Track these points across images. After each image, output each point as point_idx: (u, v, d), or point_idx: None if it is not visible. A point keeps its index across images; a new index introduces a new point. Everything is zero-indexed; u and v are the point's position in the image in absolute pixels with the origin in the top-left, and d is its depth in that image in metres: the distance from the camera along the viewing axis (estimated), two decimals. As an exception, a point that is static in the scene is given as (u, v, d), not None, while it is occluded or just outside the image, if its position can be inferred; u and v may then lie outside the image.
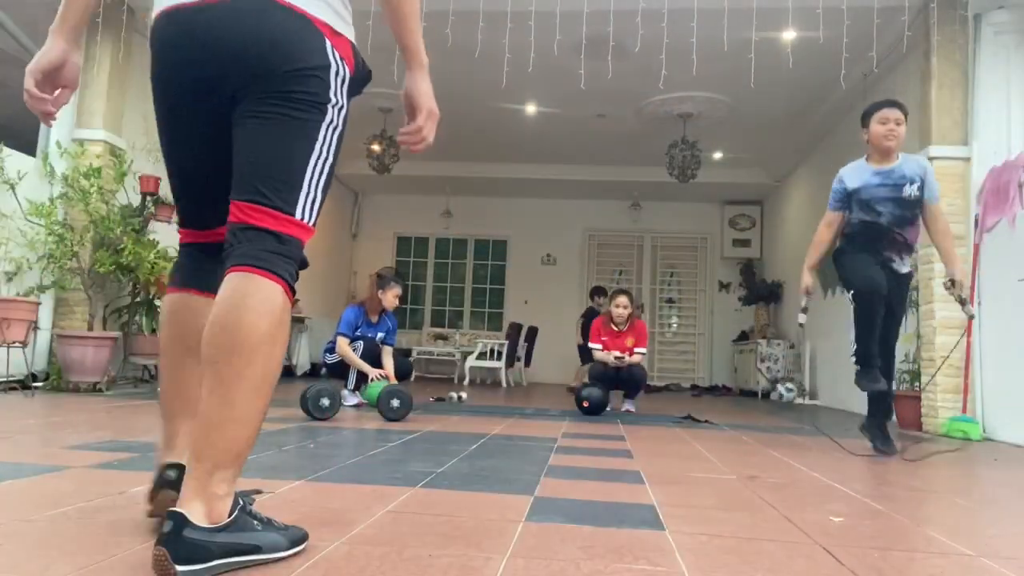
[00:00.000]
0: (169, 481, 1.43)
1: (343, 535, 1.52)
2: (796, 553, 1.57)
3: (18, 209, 5.12)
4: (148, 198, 5.95)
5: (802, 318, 3.77)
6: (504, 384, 9.51)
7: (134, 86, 6.22)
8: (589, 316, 8.47)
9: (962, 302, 3.38)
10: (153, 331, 5.68)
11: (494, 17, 5.58)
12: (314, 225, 1.40)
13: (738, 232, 11.83)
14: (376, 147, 8.54)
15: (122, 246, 5.34)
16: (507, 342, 9.49)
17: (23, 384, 5.03)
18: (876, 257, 3.51)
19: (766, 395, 9.22)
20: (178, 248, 1.59)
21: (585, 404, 5.20)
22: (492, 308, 12.42)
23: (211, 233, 1.52)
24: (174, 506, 1.21)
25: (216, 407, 1.24)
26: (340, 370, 5.04)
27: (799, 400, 8.36)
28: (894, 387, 3.67)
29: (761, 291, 10.63)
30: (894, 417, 3.66)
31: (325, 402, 3.94)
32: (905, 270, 3.51)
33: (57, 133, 5.70)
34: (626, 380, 5.77)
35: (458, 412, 4.96)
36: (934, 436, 4.79)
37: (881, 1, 5.22)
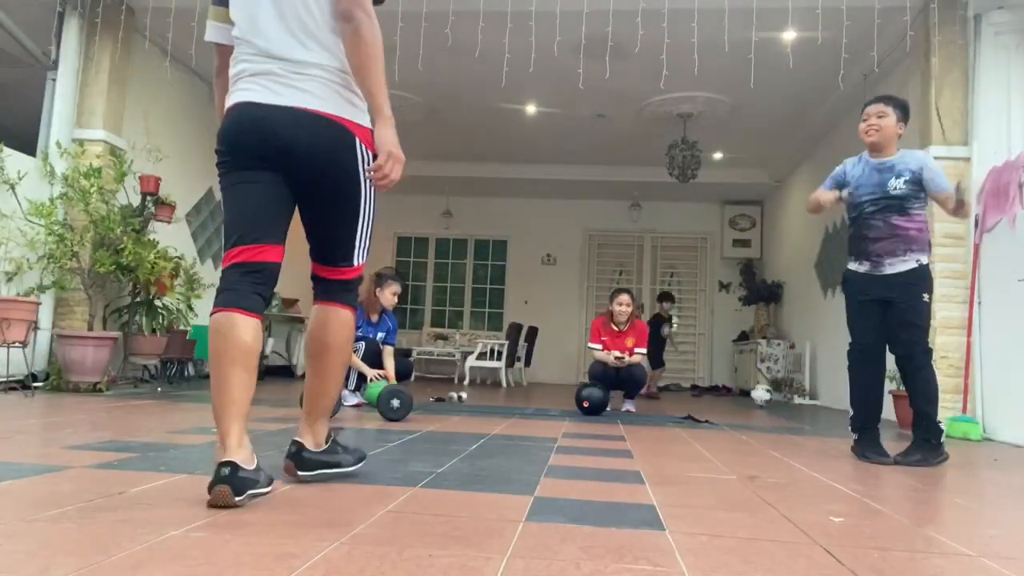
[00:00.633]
0: (223, 478, 1.71)
1: (343, 535, 1.52)
2: (796, 553, 1.57)
3: (18, 209, 5.12)
4: (148, 198, 5.95)
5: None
6: (504, 384, 9.51)
7: (134, 86, 6.23)
8: (655, 324, 8.48)
9: (961, 199, 3.25)
10: (153, 331, 5.68)
11: (494, 17, 5.58)
12: (366, 259, 2.10)
13: (738, 232, 11.83)
14: (376, 147, 8.53)
15: (122, 246, 5.34)
16: (507, 342, 9.49)
17: (23, 384, 5.03)
18: (865, 260, 3.46)
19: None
20: (223, 272, 1.91)
21: (585, 404, 5.20)
22: (492, 308, 12.41)
23: (268, 250, 1.92)
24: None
25: (318, 384, 2.09)
26: None
27: (797, 400, 8.35)
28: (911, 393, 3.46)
29: (761, 291, 10.63)
30: (942, 429, 3.33)
31: (325, 402, 3.94)
32: (900, 269, 3.34)
33: (57, 133, 5.70)
34: (626, 380, 5.76)
35: (458, 412, 4.96)
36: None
37: (881, 1, 5.22)
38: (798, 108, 7.97)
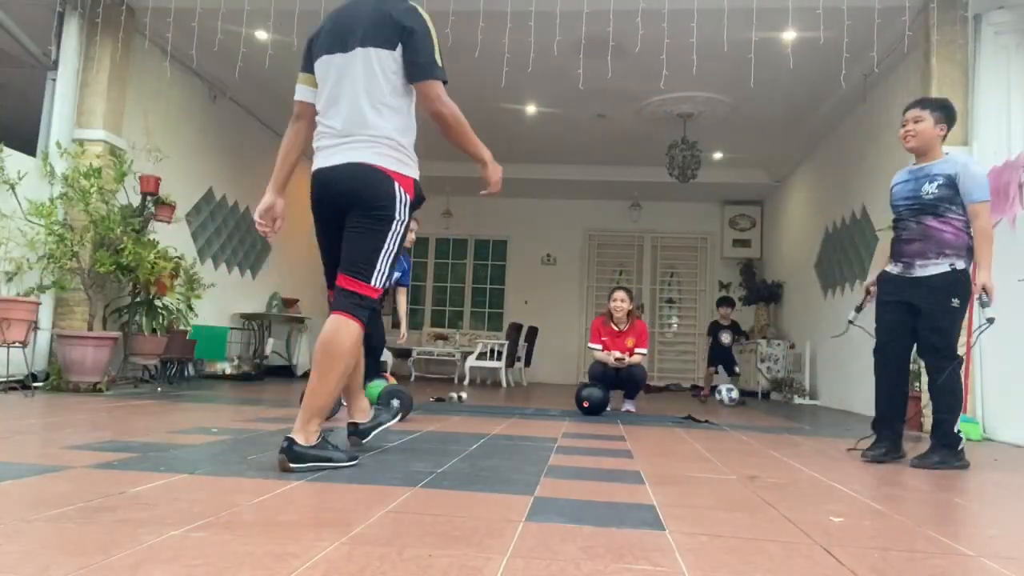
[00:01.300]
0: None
1: (343, 535, 1.52)
2: (796, 553, 1.57)
3: (18, 209, 5.12)
4: (148, 198, 5.94)
5: (851, 315, 3.67)
6: (504, 384, 9.51)
7: (134, 86, 6.22)
8: (714, 330, 8.45)
9: (983, 306, 3.25)
10: (153, 331, 5.68)
11: (494, 17, 5.57)
12: (383, 287, 2.45)
13: (738, 232, 11.83)
14: (376, 147, 8.53)
15: (122, 246, 5.34)
16: (507, 342, 9.49)
17: (23, 384, 5.03)
18: (898, 262, 3.40)
19: (766, 395, 9.22)
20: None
21: (585, 404, 5.20)
22: (492, 308, 12.41)
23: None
24: (284, 467, 2.26)
25: (317, 386, 2.34)
26: None
27: (797, 400, 8.35)
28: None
29: (761, 291, 10.63)
30: (961, 438, 3.22)
31: (325, 402, 3.94)
32: (931, 272, 3.27)
33: (57, 133, 5.70)
34: (626, 380, 5.76)
35: (458, 412, 4.96)
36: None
37: (881, 1, 5.22)
38: (798, 108, 7.97)
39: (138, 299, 5.78)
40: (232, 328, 7.85)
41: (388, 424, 2.88)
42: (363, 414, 2.83)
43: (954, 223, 3.26)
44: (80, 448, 2.55)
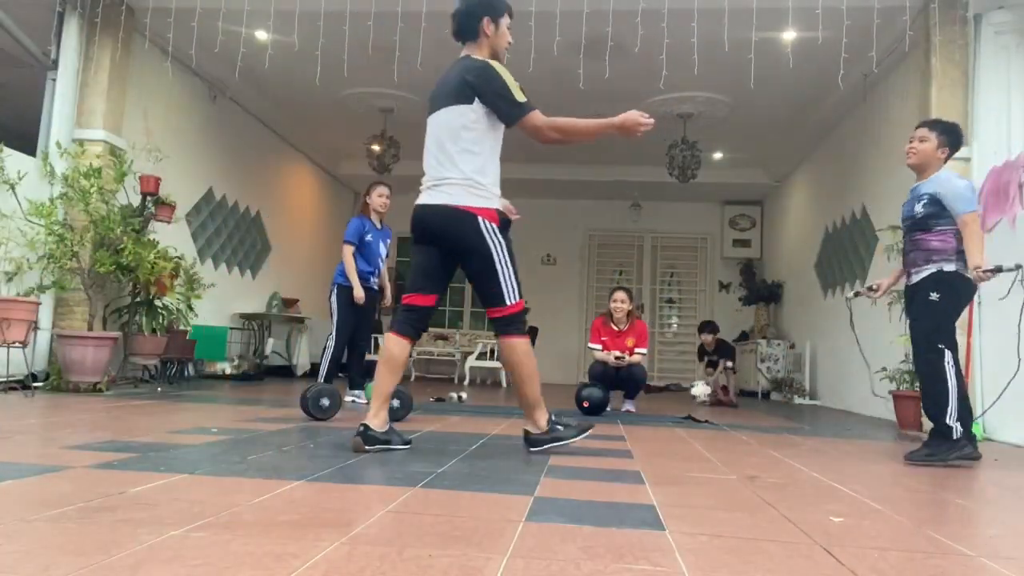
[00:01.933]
0: (358, 432, 2.79)
1: (343, 535, 1.52)
2: (796, 553, 1.57)
3: (18, 209, 5.12)
4: (148, 198, 5.94)
5: (850, 293, 3.82)
6: (504, 384, 9.51)
7: (134, 86, 6.22)
8: (704, 356, 8.34)
9: (996, 270, 3.22)
10: (153, 331, 5.68)
11: (494, 17, 5.57)
12: (520, 296, 2.93)
13: (738, 232, 11.83)
14: (376, 147, 8.54)
15: (122, 246, 5.34)
16: (507, 342, 9.47)
17: (23, 384, 5.03)
18: (905, 274, 3.59)
19: (766, 395, 9.22)
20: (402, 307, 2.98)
21: (585, 404, 5.20)
22: (492, 308, 12.39)
23: (423, 297, 2.97)
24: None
25: (521, 392, 2.99)
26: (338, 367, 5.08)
27: (797, 400, 8.35)
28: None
29: (761, 291, 10.63)
30: (951, 427, 3.24)
31: (325, 402, 3.94)
32: (922, 276, 3.42)
33: (57, 133, 5.70)
34: (626, 380, 5.76)
35: (458, 412, 4.96)
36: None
37: (881, 1, 5.22)
38: (798, 108, 7.97)
39: (138, 299, 5.78)
40: (232, 328, 7.85)
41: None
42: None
43: (940, 233, 3.40)
44: (80, 448, 2.55)
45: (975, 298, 4.92)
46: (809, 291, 8.95)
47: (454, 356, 10.39)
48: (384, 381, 2.87)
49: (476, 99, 2.83)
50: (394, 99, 8.19)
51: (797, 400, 8.37)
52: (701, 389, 7.20)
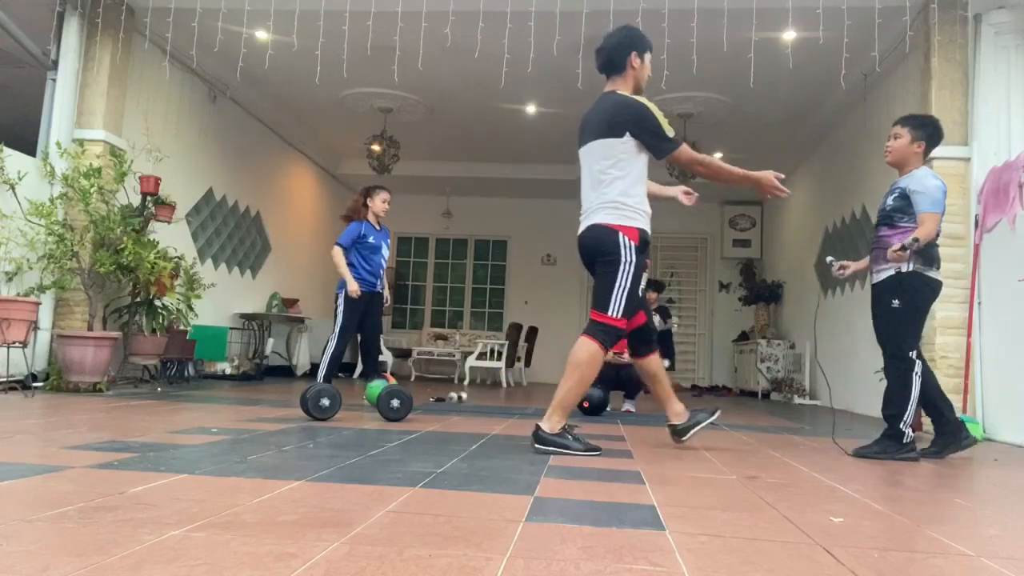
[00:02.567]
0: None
1: (343, 535, 1.52)
2: (796, 553, 1.57)
3: (18, 209, 5.12)
4: (148, 198, 5.94)
5: (831, 258, 3.83)
6: (504, 384, 9.51)
7: (134, 86, 6.22)
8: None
9: (907, 248, 3.23)
10: (153, 331, 5.68)
11: (494, 17, 5.58)
12: (621, 316, 3.07)
13: (738, 232, 11.83)
14: (376, 147, 8.54)
15: (122, 246, 5.34)
16: (507, 342, 9.49)
17: (23, 384, 5.03)
18: (869, 265, 3.61)
19: (766, 395, 9.22)
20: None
21: (585, 404, 5.20)
22: (492, 308, 12.41)
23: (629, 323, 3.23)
24: (533, 446, 3.03)
25: (560, 386, 3.03)
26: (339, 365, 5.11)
27: (797, 400, 8.35)
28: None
29: (761, 291, 10.63)
30: (904, 431, 3.37)
31: (325, 402, 3.94)
32: (881, 277, 3.44)
33: (57, 133, 5.70)
34: (626, 380, 5.76)
35: (458, 412, 4.96)
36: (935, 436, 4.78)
37: (881, 1, 5.22)
38: (798, 108, 7.97)
39: (138, 299, 5.78)
40: (232, 328, 7.85)
41: (705, 423, 3.30)
42: (678, 416, 3.27)
43: (906, 231, 3.39)
44: (80, 448, 2.55)
45: (975, 298, 4.94)
46: (809, 291, 8.95)
47: (454, 356, 10.39)
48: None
49: (627, 134, 3.05)
50: (394, 99, 8.19)
51: (797, 400, 8.37)
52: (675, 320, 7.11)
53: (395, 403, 4.10)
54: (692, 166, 3.16)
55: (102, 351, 5.16)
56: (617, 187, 3.06)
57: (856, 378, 6.69)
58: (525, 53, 5.80)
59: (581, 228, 3.17)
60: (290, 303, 9.11)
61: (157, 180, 5.94)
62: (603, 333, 3.04)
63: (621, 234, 3.04)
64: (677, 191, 3.56)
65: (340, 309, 5.15)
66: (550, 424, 3.00)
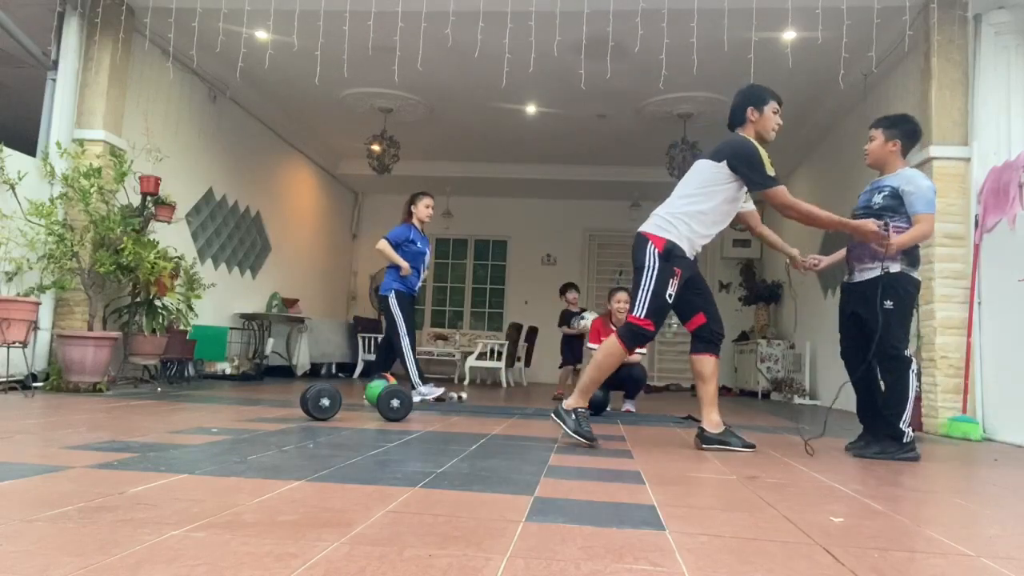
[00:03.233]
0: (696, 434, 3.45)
1: (343, 535, 1.52)
2: (796, 553, 1.57)
3: (18, 209, 5.12)
4: (148, 198, 5.94)
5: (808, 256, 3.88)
6: (504, 384, 9.50)
7: (134, 86, 6.22)
8: (566, 319, 8.23)
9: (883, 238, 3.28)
10: (153, 331, 5.67)
11: (494, 17, 5.58)
12: (646, 317, 3.24)
13: (738, 232, 11.78)
14: (376, 147, 8.54)
15: (122, 246, 5.34)
16: (507, 342, 9.49)
17: (23, 384, 5.03)
18: (848, 271, 3.63)
19: (766, 395, 9.22)
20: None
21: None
22: (492, 308, 12.41)
23: (688, 324, 3.51)
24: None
25: (585, 369, 3.44)
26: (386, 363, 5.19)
27: (797, 400, 8.35)
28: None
29: (761, 291, 10.63)
30: (904, 431, 3.35)
31: (325, 402, 3.94)
32: (866, 277, 3.46)
33: (57, 133, 5.70)
34: (626, 380, 5.76)
35: (458, 412, 4.96)
36: (935, 436, 4.79)
37: (881, 1, 5.22)
38: (798, 108, 7.96)
39: (138, 299, 5.78)
40: (232, 328, 7.85)
41: (730, 448, 3.36)
42: (713, 425, 3.39)
43: (895, 231, 3.38)
44: (80, 448, 2.55)
45: (975, 298, 4.94)
46: (809, 291, 8.95)
47: (454, 356, 10.39)
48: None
49: (725, 161, 3.24)
50: (394, 99, 8.19)
51: (797, 400, 8.37)
52: (591, 316, 6.94)
53: (395, 403, 4.10)
54: (785, 211, 3.29)
55: (102, 351, 5.16)
56: (681, 207, 3.31)
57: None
58: (525, 53, 5.80)
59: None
60: (290, 303, 9.11)
61: (157, 180, 5.94)
62: (628, 332, 3.26)
63: (651, 243, 3.29)
64: (795, 252, 3.74)
65: (395, 311, 5.28)
66: (568, 401, 3.37)
